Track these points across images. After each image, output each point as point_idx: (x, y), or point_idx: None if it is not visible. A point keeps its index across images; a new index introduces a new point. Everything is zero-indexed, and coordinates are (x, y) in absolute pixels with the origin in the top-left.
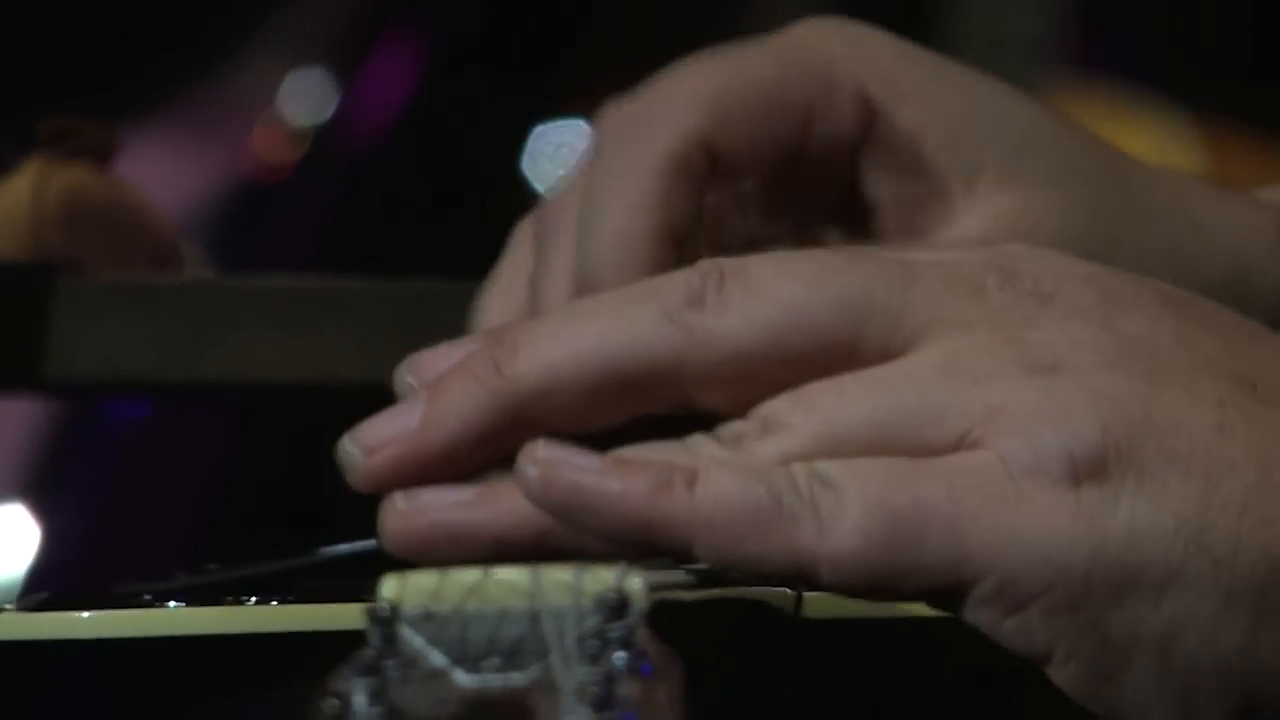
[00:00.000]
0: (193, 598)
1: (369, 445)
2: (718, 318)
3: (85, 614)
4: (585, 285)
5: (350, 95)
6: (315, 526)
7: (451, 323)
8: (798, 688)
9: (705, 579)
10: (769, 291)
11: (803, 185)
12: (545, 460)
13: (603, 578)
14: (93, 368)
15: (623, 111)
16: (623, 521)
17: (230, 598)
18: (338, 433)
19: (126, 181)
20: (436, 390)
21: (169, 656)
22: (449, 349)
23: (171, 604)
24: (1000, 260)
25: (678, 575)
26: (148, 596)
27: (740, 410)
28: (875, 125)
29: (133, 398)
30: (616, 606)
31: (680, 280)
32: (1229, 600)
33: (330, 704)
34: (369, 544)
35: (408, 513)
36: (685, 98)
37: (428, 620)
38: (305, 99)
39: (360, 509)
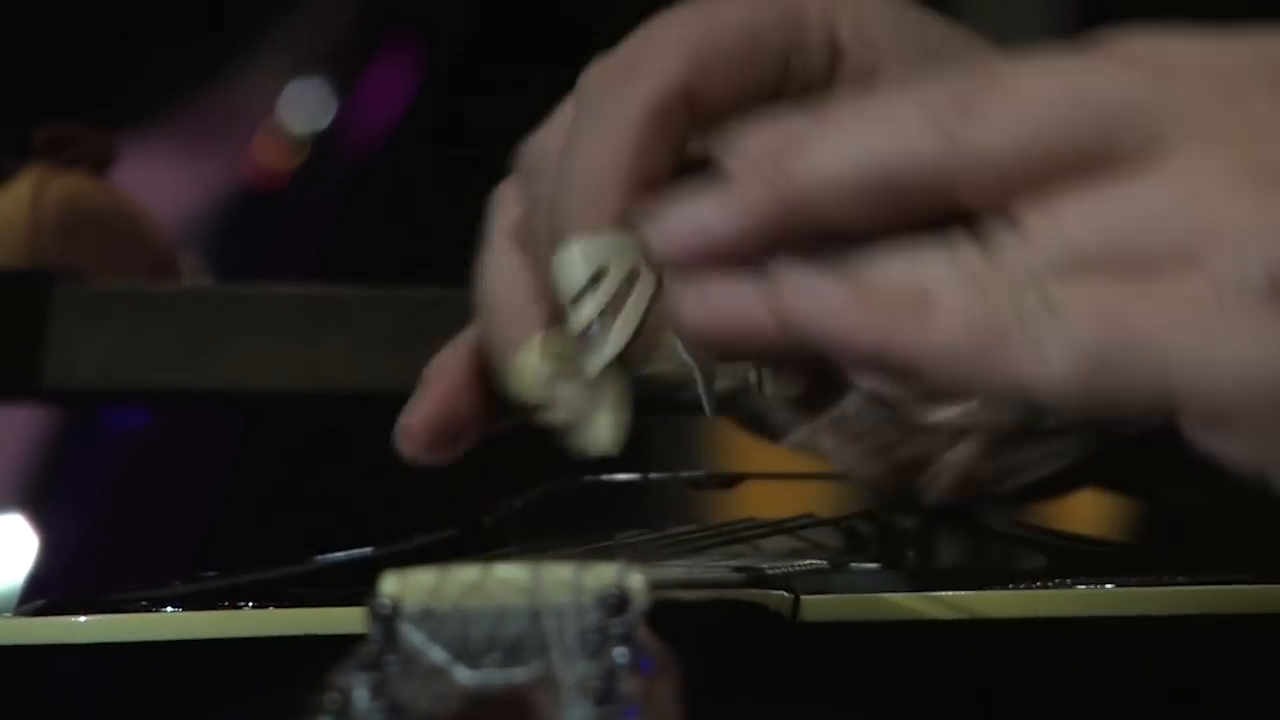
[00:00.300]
0: (189, 604)
1: (674, 236)
2: (982, 127)
3: (82, 619)
4: (555, 233)
5: (349, 103)
6: (313, 534)
7: (450, 330)
8: (794, 690)
9: (704, 581)
10: (1031, 99)
11: None
12: (788, 286)
13: (603, 574)
14: (90, 375)
15: (605, 65)
16: (857, 350)
17: (226, 604)
18: (336, 440)
19: (124, 189)
20: (735, 186)
21: (166, 661)
22: (765, 130)
23: (168, 609)
24: (1266, 56)
25: (677, 574)
26: (144, 602)
27: (995, 202)
28: (839, 67)
29: (130, 405)
30: (617, 603)
31: (941, 87)
32: None
33: (331, 699)
34: (364, 552)
35: (700, 307)
36: (666, 49)
37: (428, 617)
38: (304, 108)
39: (357, 518)
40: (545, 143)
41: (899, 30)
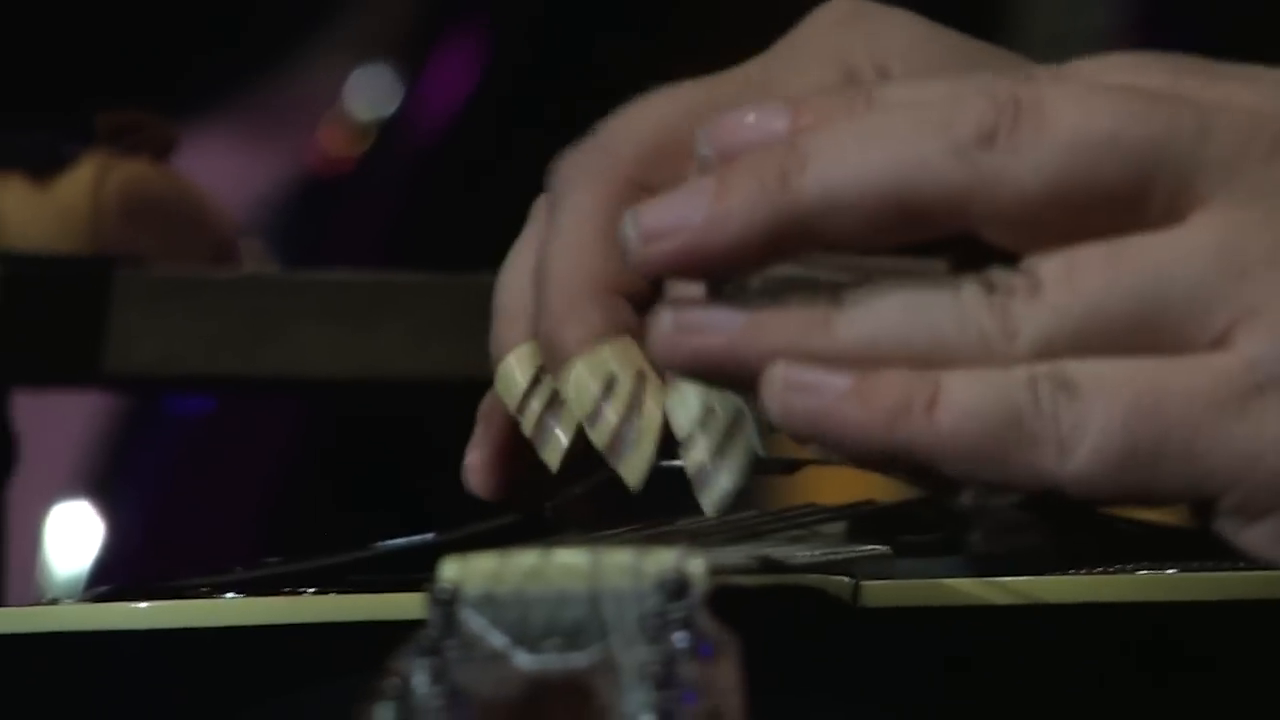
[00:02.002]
0: (250, 590)
1: (650, 231)
2: (1008, 159)
3: (144, 605)
4: (552, 356)
5: (414, 90)
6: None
7: None
8: (855, 675)
9: (765, 566)
10: (1064, 135)
11: None
12: (785, 382)
13: (662, 559)
14: (152, 362)
15: (572, 157)
16: (864, 447)
17: (288, 590)
18: (397, 426)
19: (186, 176)
20: (723, 186)
21: (227, 647)
22: (752, 118)
23: (229, 595)
24: None
25: (738, 559)
26: (205, 588)
27: (1013, 241)
28: None
29: (192, 392)
30: (677, 588)
31: (974, 110)
32: None
33: (391, 684)
34: (425, 538)
35: (677, 333)
36: (621, 141)
37: (488, 602)
38: (370, 95)
39: (419, 504)
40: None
41: (949, 63)
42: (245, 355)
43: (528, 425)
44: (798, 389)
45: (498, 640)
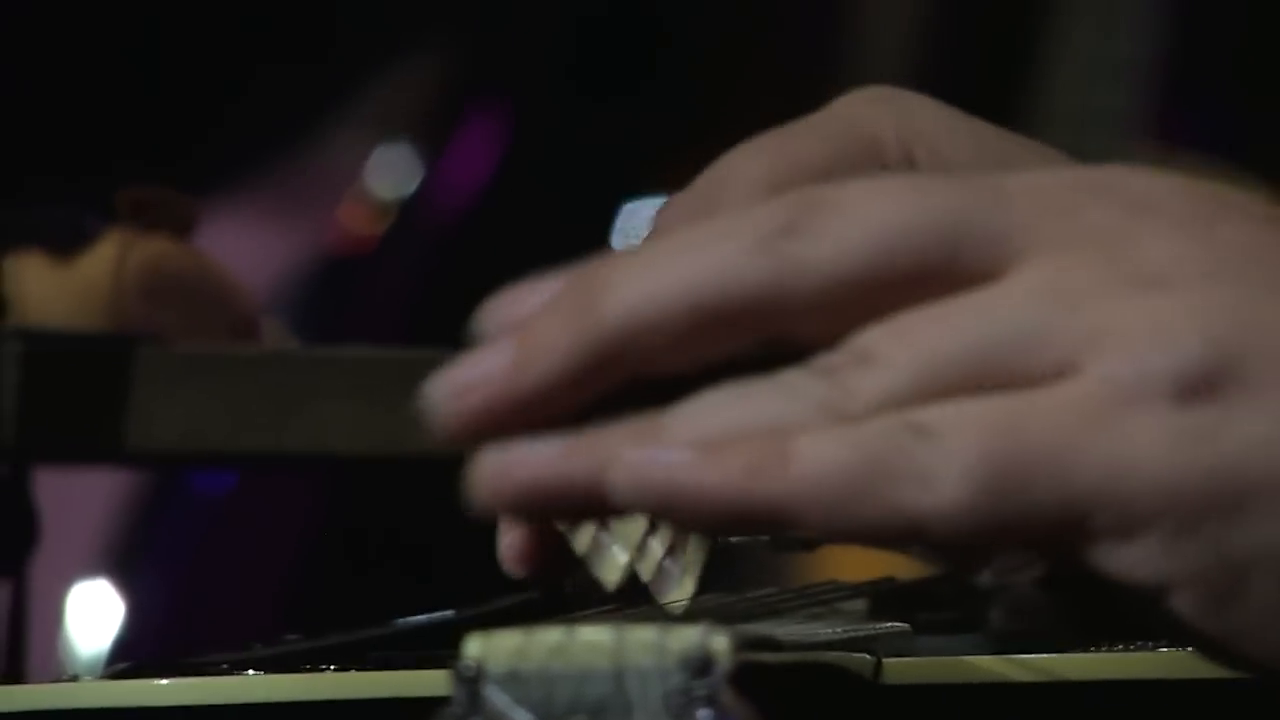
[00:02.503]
0: (270, 667)
1: (458, 388)
2: (812, 245)
3: (164, 681)
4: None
5: (435, 169)
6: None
7: None
8: None
9: (788, 644)
10: (863, 216)
11: None
12: (632, 463)
13: (687, 636)
14: (173, 438)
15: (679, 202)
16: (720, 513)
17: (308, 666)
18: (419, 505)
19: (207, 254)
20: (525, 332)
21: None
22: (530, 291)
23: (249, 672)
24: (1094, 176)
25: (761, 635)
26: (225, 665)
27: (834, 340)
28: None
29: (213, 468)
30: (701, 665)
31: (771, 209)
32: None
33: None
34: (446, 615)
35: (500, 468)
36: (740, 188)
37: (512, 679)
38: (391, 173)
39: (438, 580)
40: None
41: (975, 150)
42: (266, 432)
43: (582, 542)
44: (646, 465)
45: (522, 718)
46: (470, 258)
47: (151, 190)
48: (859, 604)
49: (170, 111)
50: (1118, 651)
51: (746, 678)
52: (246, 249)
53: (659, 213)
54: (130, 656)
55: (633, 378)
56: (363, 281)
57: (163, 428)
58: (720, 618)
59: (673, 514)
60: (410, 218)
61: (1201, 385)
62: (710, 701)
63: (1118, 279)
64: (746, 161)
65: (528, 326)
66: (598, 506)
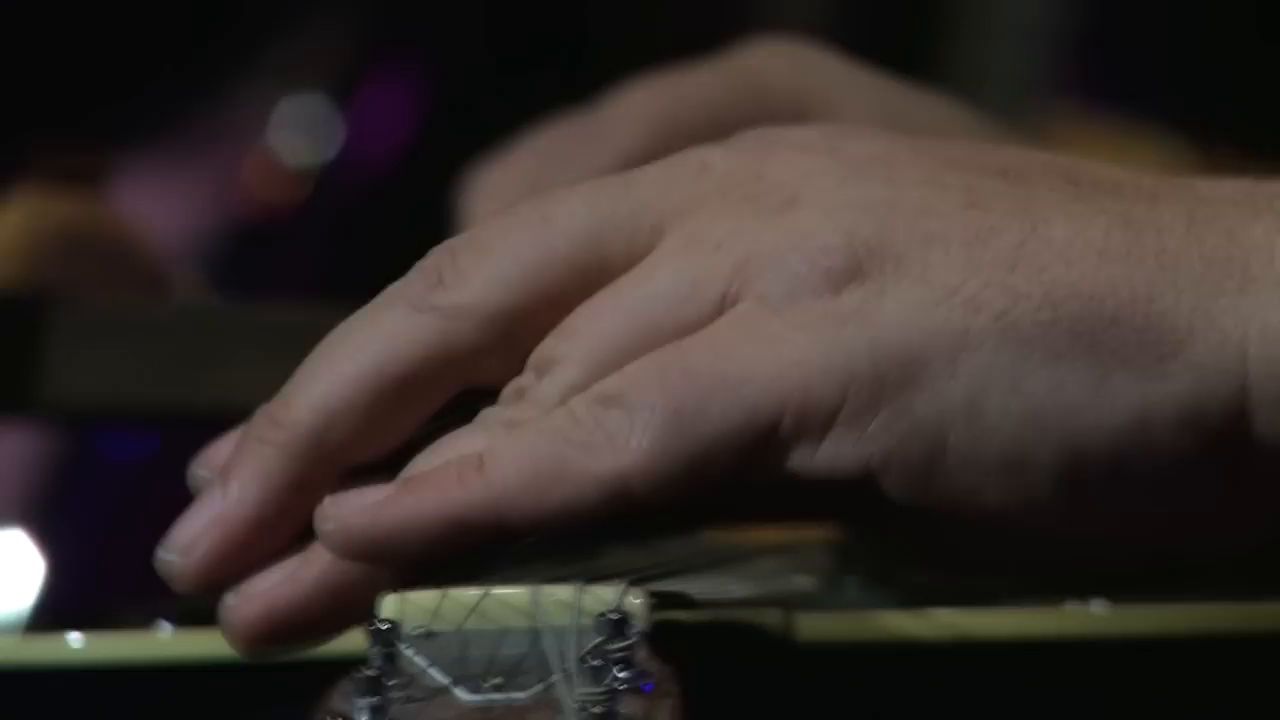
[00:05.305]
0: (187, 623)
1: (184, 544)
2: (462, 289)
3: (76, 636)
4: None
5: (352, 126)
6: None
7: None
8: (790, 709)
9: (702, 601)
10: (501, 248)
11: None
12: (335, 514)
13: (603, 596)
14: (88, 396)
15: (571, 126)
16: (433, 532)
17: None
18: None
19: (119, 210)
20: (229, 468)
21: (162, 682)
22: (231, 434)
23: (165, 628)
24: (714, 145)
25: (677, 594)
26: (140, 620)
27: (514, 360)
28: None
29: (128, 425)
30: (617, 625)
31: (415, 271)
32: (1021, 349)
33: None
34: None
35: (240, 606)
36: (631, 118)
37: (428, 639)
38: (304, 128)
39: None
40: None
41: (870, 102)
42: (181, 388)
43: None
44: (349, 510)
45: (438, 678)
46: (390, 214)
47: (61, 147)
48: (771, 561)
49: (78, 69)
50: (1025, 609)
51: (661, 636)
52: (160, 205)
53: (550, 129)
54: (47, 615)
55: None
56: (278, 239)
57: (76, 386)
58: (636, 577)
59: (392, 552)
60: (328, 174)
61: (847, 274)
62: (626, 662)
63: (754, 212)
64: (640, 99)
65: (229, 463)
66: (333, 618)
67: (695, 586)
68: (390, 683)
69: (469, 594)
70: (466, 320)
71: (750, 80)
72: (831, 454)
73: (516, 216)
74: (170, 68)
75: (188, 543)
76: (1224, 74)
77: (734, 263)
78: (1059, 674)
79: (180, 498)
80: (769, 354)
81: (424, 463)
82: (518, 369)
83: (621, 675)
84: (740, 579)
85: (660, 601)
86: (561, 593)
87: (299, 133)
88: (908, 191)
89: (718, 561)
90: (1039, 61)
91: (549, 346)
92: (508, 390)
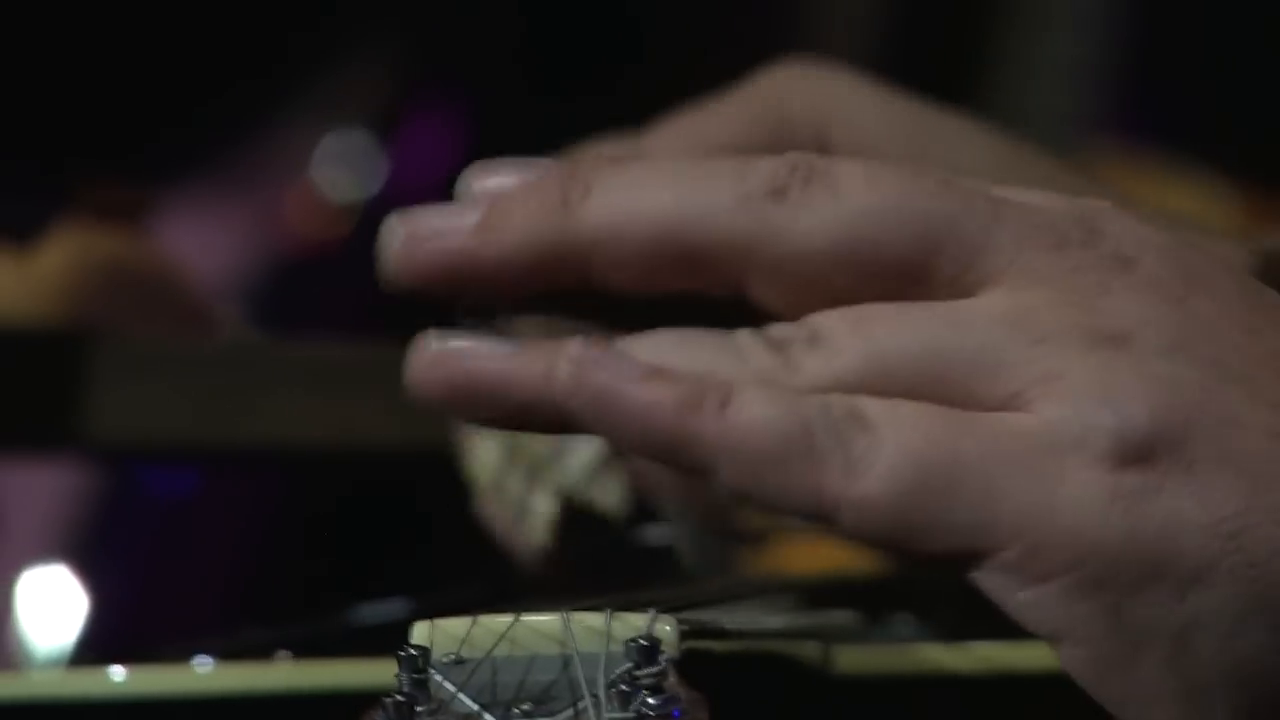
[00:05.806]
0: (225, 658)
1: (418, 232)
2: (795, 214)
3: (118, 671)
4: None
5: (395, 163)
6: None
7: None
8: None
9: (736, 631)
10: (853, 198)
11: None
12: (578, 359)
13: (633, 623)
14: (130, 432)
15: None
16: (648, 433)
17: (262, 657)
18: (373, 495)
19: (161, 247)
20: (499, 204)
21: (202, 716)
22: (519, 166)
23: (204, 662)
24: (1087, 215)
25: (709, 624)
26: (181, 656)
27: (794, 314)
28: None
29: (168, 461)
30: (647, 651)
31: (768, 167)
32: (1255, 604)
33: None
34: (400, 605)
35: (441, 356)
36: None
37: (458, 666)
38: (344, 162)
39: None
40: None
41: (892, 125)
42: (223, 426)
43: (505, 504)
44: (592, 363)
45: (468, 704)
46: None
47: (104, 182)
48: (810, 596)
49: (121, 104)
50: None
51: (693, 665)
52: (202, 241)
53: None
54: (89, 650)
55: (581, 286)
56: (321, 275)
57: (119, 422)
58: (668, 606)
59: (602, 421)
60: (371, 209)
61: (1139, 453)
62: (656, 688)
63: (1083, 328)
64: (666, 136)
65: (503, 199)
66: (534, 406)
67: (730, 616)
68: (420, 709)
69: (499, 620)
70: (782, 245)
71: (765, 116)
72: (1030, 603)
73: (880, 176)
74: (213, 103)
75: (420, 231)
76: (1266, 111)
77: (1044, 373)
78: (1098, 709)
79: (221, 533)
80: (1031, 487)
81: (673, 349)
82: (788, 308)
83: (650, 701)
84: (778, 612)
85: (691, 630)
86: (592, 619)
87: (342, 168)
88: (1225, 388)
89: (755, 594)
90: (1081, 98)
91: (836, 325)
92: (775, 332)
